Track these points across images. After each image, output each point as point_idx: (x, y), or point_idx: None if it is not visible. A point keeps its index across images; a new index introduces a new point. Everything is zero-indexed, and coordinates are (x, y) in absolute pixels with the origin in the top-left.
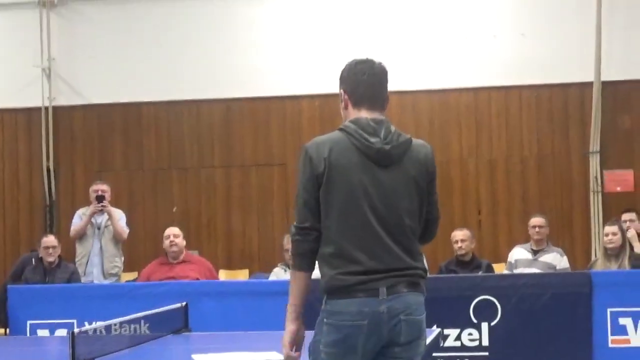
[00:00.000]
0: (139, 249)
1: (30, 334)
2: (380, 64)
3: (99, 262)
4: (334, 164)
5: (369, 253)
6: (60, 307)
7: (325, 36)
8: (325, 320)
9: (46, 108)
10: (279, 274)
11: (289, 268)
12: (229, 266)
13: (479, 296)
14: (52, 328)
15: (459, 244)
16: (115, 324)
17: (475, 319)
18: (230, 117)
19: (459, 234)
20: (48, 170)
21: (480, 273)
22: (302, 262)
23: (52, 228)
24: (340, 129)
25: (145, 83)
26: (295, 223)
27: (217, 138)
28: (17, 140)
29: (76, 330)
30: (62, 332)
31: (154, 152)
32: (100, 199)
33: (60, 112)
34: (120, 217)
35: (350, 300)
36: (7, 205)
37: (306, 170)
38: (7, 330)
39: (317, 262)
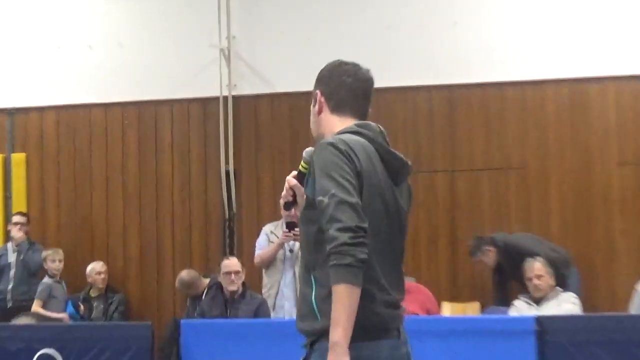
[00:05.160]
0: None
1: None
2: (368, 71)
3: (292, 295)
4: (367, 173)
5: (392, 281)
6: (245, 347)
7: (570, 10)
8: None
9: (225, 97)
10: (521, 307)
11: (531, 301)
12: (456, 297)
13: None
14: None
15: None
16: None
17: None
18: (454, 108)
19: None
20: (227, 175)
21: None
22: (361, 273)
23: (233, 248)
24: (355, 132)
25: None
26: (347, 223)
27: (438, 133)
28: (189, 138)
29: None
30: None
31: None
32: (291, 225)
33: (243, 103)
34: None
35: (381, 342)
36: (177, 219)
37: (346, 165)
38: None
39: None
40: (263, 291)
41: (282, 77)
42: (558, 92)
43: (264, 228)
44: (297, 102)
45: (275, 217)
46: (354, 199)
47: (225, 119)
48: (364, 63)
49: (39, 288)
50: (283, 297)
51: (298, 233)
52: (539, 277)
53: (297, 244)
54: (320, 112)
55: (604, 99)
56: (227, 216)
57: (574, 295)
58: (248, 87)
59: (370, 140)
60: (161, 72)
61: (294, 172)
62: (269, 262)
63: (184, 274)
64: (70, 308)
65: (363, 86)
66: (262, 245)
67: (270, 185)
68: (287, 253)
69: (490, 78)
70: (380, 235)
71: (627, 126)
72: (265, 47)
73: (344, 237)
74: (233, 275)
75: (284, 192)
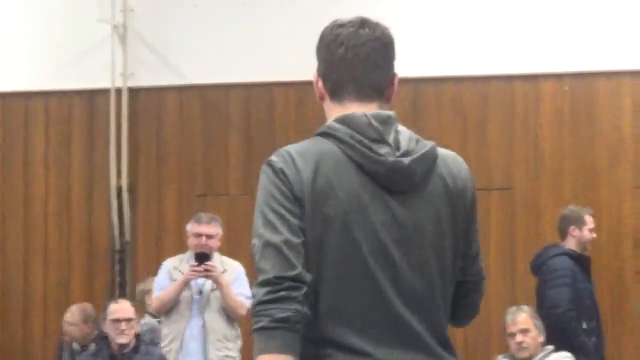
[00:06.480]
0: None
1: None
2: (376, 25)
3: (199, 350)
4: (322, 194)
5: (380, 339)
6: None
7: None
8: None
9: (118, 90)
10: None
11: None
12: None
13: None
14: None
15: None
16: None
17: None
18: (419, 104)
19: None
20: (119, 192)
21: None
22: (285, 335)
23: (125, 288)
24: (323, 133)
25: (280, 54)
26: (266, 274)
27: None
28: (69, 142)
29: None
30: None
31: None
32: (202, 258)
33: (142, 97)
34: (236, 277)
35: None
36: (51, 250)
37: (280, 190)
38: None
39: None
40: (162, 344)
41: (195, 65)
42: (556, 89)
43: (164, 263)
44: (215, 97)
45: (179, 248)
46: (280, 237)
47: (118, 117)
48: (305, 52)
49: (141, 329)
50: (188, 352)
51: (211, 268)
52: (524, 332)
53: (209, 283)
54: (321, 99)
55: (616, 100)
56: (117, 247)
57: (569, 355)
58: (149, 77)
59: (339, 142)
60: (32, 54)
61: None
62: (170, 307)
63: (87, 307)
64: None
65: (361, 53)
66: (162, 285)
67: (175, 206)
68: (195, 295)
69: (471, 71)
70: (347, 276)
71: None
72: (173, 24)
73: (260, 293)
74: (123, 324)
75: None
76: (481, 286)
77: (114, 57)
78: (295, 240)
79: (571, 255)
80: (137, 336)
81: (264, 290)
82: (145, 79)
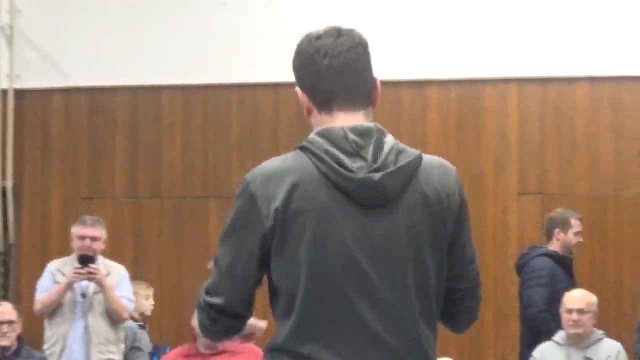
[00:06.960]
0: (154, 326)
1: None
2: (352, 32)
3: (82, 352)
4: (295, 213)
5: (352, 355)
6: None
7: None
8: None
9: (4, 91)
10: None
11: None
12: None
13: None
14: None
15: None
16: None
17: None
18: None
19: None
20: (4, 193)
21: None
22: (221, 334)
23: (9, 291)
24: (302, 147)
25: (168, 57)
26: (206, 292)
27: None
28: None
29: None
30: None
31: (180, 166)
32: (85, 260)
33: (29, 99)
34: (119, 281)
35: None
36: None
37: (245, 217)
38: None
39: None
40: (45, 347)
41: (82, 67)
42: (443, 95)
43: (48, 265)
44: (102, 99)
45: (64, 251)
46: (226, 262)
47: (4, 119)
48: (192, 56)
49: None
50: (71, 355)
51: (94, 270)
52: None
53: (93, 286)
54: (309, 115)
55: (502, 107)
56: (1, 249)
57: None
58: (36, 79)
59: (316, 158)
60: None
61: None
62: (53, 309)
63: None
64: None
65: (348, 60)
66: (46, 287)
67: (61, 209)
68: (79, 298)
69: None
70: (320, 295)
71: (532, 143)
72: (60, 26)
73: (201, 297)
74: (5, 327)
75: None
76: (477, 293)
77: (1, 59)
78: (240, 269)
79: (552, 256)
80: (20, 339)
81: (203, 302)
82: (32, 81)
